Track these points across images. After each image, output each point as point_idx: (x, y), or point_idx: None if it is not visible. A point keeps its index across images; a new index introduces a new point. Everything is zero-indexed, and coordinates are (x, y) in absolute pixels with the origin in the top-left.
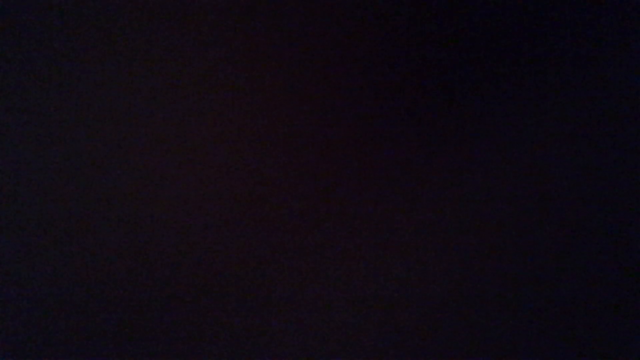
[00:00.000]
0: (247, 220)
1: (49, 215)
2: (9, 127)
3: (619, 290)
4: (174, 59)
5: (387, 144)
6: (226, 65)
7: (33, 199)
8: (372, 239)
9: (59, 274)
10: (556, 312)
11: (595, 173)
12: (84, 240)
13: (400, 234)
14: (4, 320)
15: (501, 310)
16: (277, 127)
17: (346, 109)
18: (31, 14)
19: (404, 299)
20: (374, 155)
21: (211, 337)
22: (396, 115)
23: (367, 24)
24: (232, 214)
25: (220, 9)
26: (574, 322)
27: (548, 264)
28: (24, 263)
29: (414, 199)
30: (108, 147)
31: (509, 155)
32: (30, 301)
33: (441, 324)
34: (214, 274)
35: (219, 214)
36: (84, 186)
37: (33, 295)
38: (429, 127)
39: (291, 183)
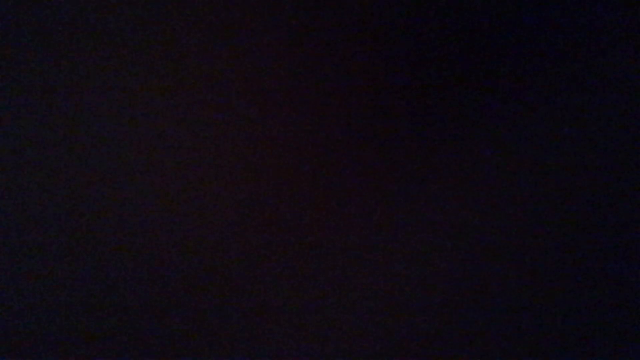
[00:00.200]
0: (247, 221)
1: (49, 215)
2: (9, 127)
3: (620, 291)
4: (175, 59)
5: (388, 144)
6: (226, 65)
7: (33, 199)
8: (373, 239)
9: (58, 274)
10: (558, 312)
11: (595, 173)
12: (83, 240)
13: (401, 234)
14: (4, 320)
15: (503, 310)
16: (277, 127)
17: (346, 109)
18: (31, 14)
19: (404, 299)
20: (375, 156)
21: (211, 337)
22: (397, 116)
23: (367, 24)
24: (232, 214)
25: (220, 8)
26: (575, 323)
27: (550, 264)
28: (23, 263)
29: (415, 199)
30: (108, 147)
31: (510, 155)
32: (30, 301)
33: (442, 324)
34: (214, 274)
35: (219, 214)
36: (84, 186)
37: (33, 295)
38: (430, 127)
39: (291, 183)
